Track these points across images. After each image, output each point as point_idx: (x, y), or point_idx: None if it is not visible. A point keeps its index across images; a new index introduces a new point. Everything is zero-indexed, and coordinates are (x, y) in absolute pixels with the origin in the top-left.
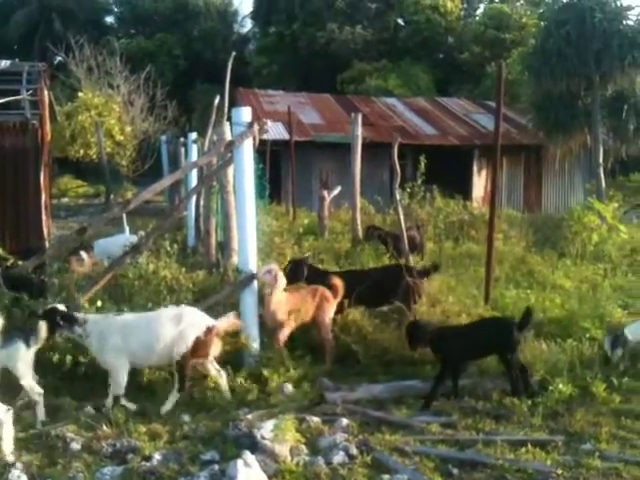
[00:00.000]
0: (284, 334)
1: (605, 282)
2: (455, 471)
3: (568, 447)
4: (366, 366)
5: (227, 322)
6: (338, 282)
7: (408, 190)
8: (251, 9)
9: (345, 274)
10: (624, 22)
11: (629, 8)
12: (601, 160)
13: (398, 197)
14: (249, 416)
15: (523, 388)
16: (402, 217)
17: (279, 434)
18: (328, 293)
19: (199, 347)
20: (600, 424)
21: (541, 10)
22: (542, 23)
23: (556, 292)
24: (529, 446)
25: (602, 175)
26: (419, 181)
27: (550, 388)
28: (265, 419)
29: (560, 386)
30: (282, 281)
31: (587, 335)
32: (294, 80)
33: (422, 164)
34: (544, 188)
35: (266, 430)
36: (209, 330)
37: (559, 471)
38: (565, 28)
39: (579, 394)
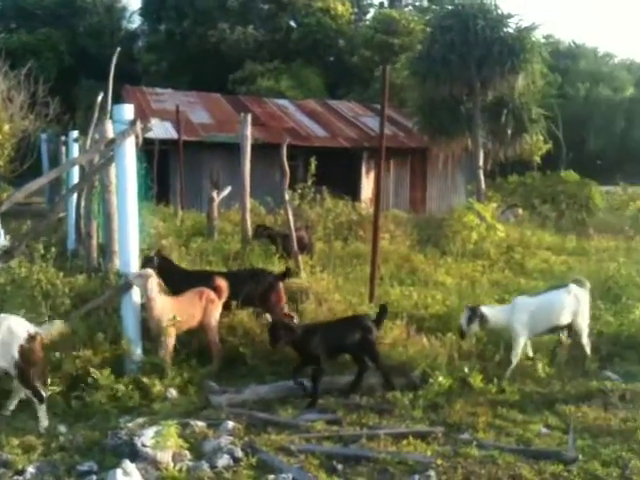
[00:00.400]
0: (170, 341)
1: (483, 278)
2: (340, 467)
3: (447, 437)
4: (253, 367)
5: (52, 328)
6: (222, 283)
7: (299, 191)
8: (140, 5)
9: (205, 275)
10: (504, 29)
11: (509, 16)
12: (481, 162)
13: (287, 197)
14: (130, 424)
15: (385, 383)
16: (291, 217)
17: (160, 441)
18: (213, 295)
19: (27, 355)
20: (477, 414)
21: (428, 16)
22: (428, 29)
23: (437, 289)
24: (410, 438)
25: (482, 177)
26: (309, 182)
27: (430, 381)
28: (147, 426)
29: (440, 379)
30: (155, 286)
31: None
32: (184, 79)
33: (312, 165)
34: (429, 189)
35: (147, 437)
36: (32, 338)
37: (438, 461)
38: (449, 34)
39: (458, 386)
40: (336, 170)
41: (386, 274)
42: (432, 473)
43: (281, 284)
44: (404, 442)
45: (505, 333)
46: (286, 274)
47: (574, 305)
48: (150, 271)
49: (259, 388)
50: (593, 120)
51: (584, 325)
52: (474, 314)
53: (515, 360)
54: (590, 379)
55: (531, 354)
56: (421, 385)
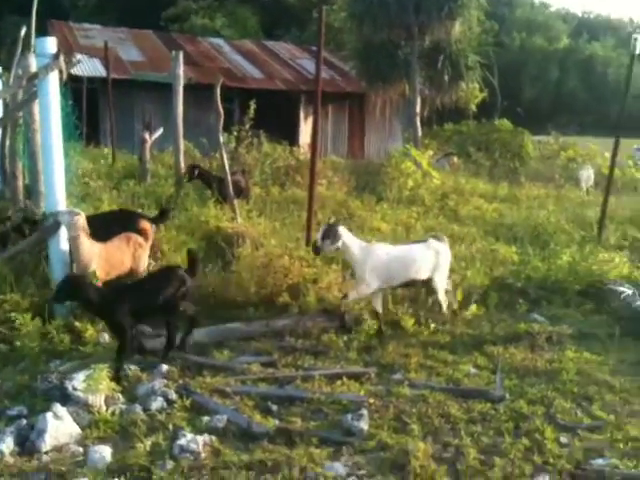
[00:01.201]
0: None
1: (418, 224)
2: (274, 407)
3: (380, 378)
4: None
5: None
6: (148, 226)
7: (235, 134)
8: None
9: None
10: None
11: None
12: (418, 109)
13: (222, 140)
14: (61, 368)
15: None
16: (226, 161)
17: (92, 384)
18: (141, 239)
19: None
20: (410, 355)
21: None
22: None
23: (373, 234)
24: (344, 379)
25: (419, 124)
26: (247, 126)
27: (364, 324)
28: (78, 370)
29: (372, 322)
30: (83, 227)
31: None
32: (114, 15)
33: (251, 108)
34: (367, 135)
35: (78, 381)
36: None
37: (371, 400)
38: None
39: (391, 328)
40: (274, 114)
41: (323, 220)
42: (364, 412)
43: (149, 226)
44: (338, 383)
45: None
46: (162, 216)
47: (433, 260)
48: (78, 210)
49: (195, 333)
50: (528, 69)
51: (441, 281)
52: (330, 230)
53: (351, 297)
54: (518, 321)
55: (379, 309)
56: (355, 327)
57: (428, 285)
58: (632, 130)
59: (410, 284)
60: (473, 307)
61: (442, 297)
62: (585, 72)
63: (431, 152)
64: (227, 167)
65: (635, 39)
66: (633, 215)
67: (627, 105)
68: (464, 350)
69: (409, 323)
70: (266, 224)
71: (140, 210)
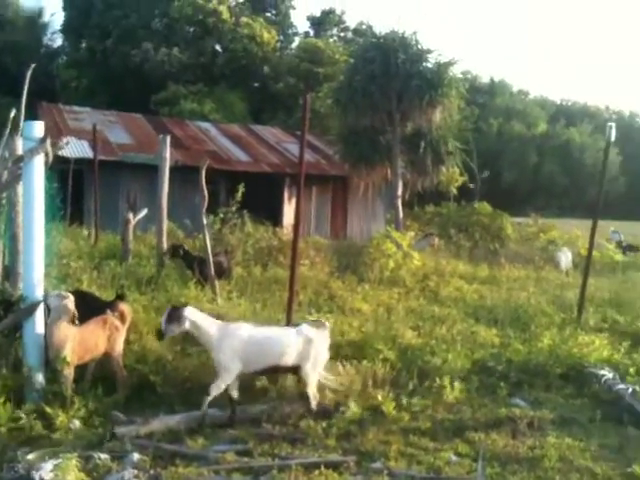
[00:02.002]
0: (70, 372)
1: (399, 305)
2: None
3: (359, 466)
4: (164, 396)
5: None
6: (126, 309)
7: (220, 215)
8: (62, 22)
9: None
10: (424, 64)
11: (429, 51)
12: (400, 192)
13: (205, 221)
14: (29, 456)
15: None
16: (209, 241)
17: (60, 474)
18: (118, 322)
19: None
20: (390, 442)
21: (352, 48)
22: (351, 60)
23: (354, 316)
24: (322, 468)
25: (400, 206)
26: (233, 207)
27: (343, 409)
28: (47, 459)
29: (353, 407)
30: (69, 311)
31: (380, 356)
32: (104, 98)
33: (238, 191)
34: (349, 217)
35: (46, 471)
36: None
37: None
38: (371, 66)
39: (371, 414)
40: (258, 195)
41: (304, 300)
42: None
43: (127, 309)
44: (316, 472)
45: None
46: (117, 302)
47: (300, 348)
48: (67, 293)
49: (168, 418)
50: (506, 154)
51: (312, 372)
52: (174, 314)
53: (214, 392)
54: (499, 406)
55: (235, 395)
56: (335, 413)
57: (297, 374)
58: (609, 212)
59: (276, 371)
60: (456, 391)
61: (312, 390)
62: (562, 157)
63: (412, 233)
64: (209, 248)
65: (610, 127)
66: (612, 297)
67: (604, 188)
68: (445, 436)
69: (389, 408)
70: (247, 305)
71: (111, 291)
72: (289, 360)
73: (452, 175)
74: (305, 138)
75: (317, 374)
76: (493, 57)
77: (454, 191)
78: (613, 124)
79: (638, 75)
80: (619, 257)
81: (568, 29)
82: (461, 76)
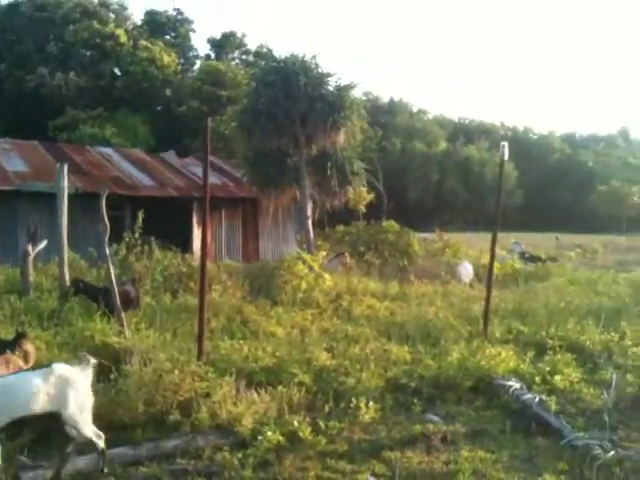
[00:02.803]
0: None
1: (313, 327)
2: None
3: None
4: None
5: None
6: (29, 347)
7: (126, 241)
8: None
9: None
10: (325, 87)
11: (329, 75)
12: (309, 213)
13: (108, 251)
14: None
15: None
16: (112, 271)
17: None
18: (21, 362)
19: None
20: (307, 468)
21: (254, 71)
22: (253, 83)
23: (269, 340)
24: None
25: (310, 226)
26: (137, 233)
27: (260, 438)
28: None
29: (269, 434)
30: None
31: (295, 380)
32: (0, 125)
33: (140, 217)
34: (261, 239)
35: None
36: None
37: None
38: (273, 89)
39: (288, 440)
40: (167, 221)
41: (217, 327)
42: None
43: (32, 348)
44: None
45: None
46: (16, 342)
47: (54, 391)
48: None
49: (78, 460)
50: (410, 172)
51: (79, 415)
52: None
53: None
54: (414, 422)
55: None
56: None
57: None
58: (509, 224)
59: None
60: (371, 410)
61: (89, 433)
62: (463, 173)
63: (324, 253)
64: (113, 278)
65: (503, 145)
66: (515, 308)
67: (502, 201)
68: (362, 458)
69: (306, 433)
70: (156, 336)
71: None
72: (40, 407)
73: (360, 194)
74: (207, 162)
75: (88, 414)
76: (392, 76)
77: (363, 209)
78: (506, 143)
79: (530, 91)
80: (520, 267)
81: (462, 47)
82: (363, 97)
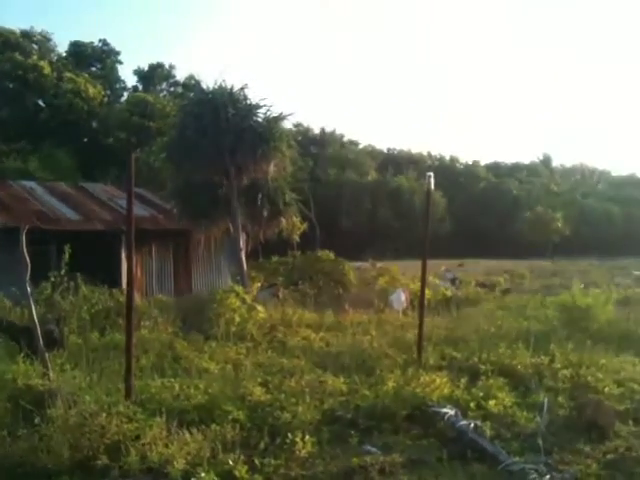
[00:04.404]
0: None
1: (247, 361)
2: None
3: None
4: None
5: None
6: None
7: (52, 279)
8: None
9: None
10: (254, 118)
11: (258, 106)
12: (242, 245)
13: (29, 290)
14: None
15: None
16: (34, 311)
17: None
18: None
19: None
20: None
21: (182, 102)
22: (181, 114)
23: (201, 376)
24: None
25: (244, 258)
26: (63, 270)
27: (192, 479)
28: None
29: (202, 475)
30: None
31: (229, 417)
32: None
33: (66, 252)
34: (194, 272)
35: None
36: None
37: None
38: (201, 121)
39: None
40: (94, 255)
41: (147, 365)
42: None
43: None
44: None
45: None
46: None
47: None
48: None
49: None
50: (342, 202)
51: None
52: None
53: None
54: (351, 455)
55: None
56: None
57: None
58: (440, 251)
59: None
60: (308, 445)
61: None
62: (394, 202)
63: (259, 284)
64: (35, 317)
65: (429, 176)
66: (448, 334)
67: (431, 230)
68: None
69: (242, 472)
70: (82, 377)
71: None
72: None
73: (293, 224)
74: (132, 195)
75: None
76: (323, 108)
77: (297, 239)
78: (432, 173)
79: (455, 121)
80: (450, 293)
81: (389, 78)
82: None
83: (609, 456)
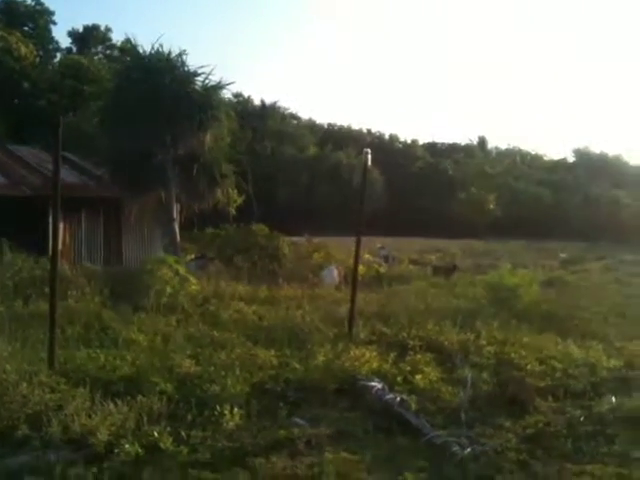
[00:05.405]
0: None
1: (178, 332)
2: None
3: None
4: None
5: None
6: None
7: None
8: None
9: None
10: (192, 86)
11: (196, 74)
12: (175, 215)
13: None
14: None
15: None
16: None
17: None
18: None
19: None
20: (168, 479)
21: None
22: (116, 79)
23: (129, 348)
24: None
25: (177, 229)
26: None
27: (116, 450)
28: None
29: (126, 446)
30: None
31: (157, 389)
32: None
33: None
34: (125, 242)
35: None
36: None
37: None
38: (137, 87)
39: (147, 452)
40: (20, 221)
41: (72, 335)
42: None
43: None
44: None
45: None
46: None
47: None
48: None
49: None
50: (280, 176)
51: None
52: None
53: None
54: (279, 427)
55: None
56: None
57: None
58: (376, 228)
59: None
60: (236, 417)
61: None
62: (333, 178)
63: (192, 256)
64: None
65: (366, 152)
66: (379, 310)
67: (368, 207)
68: (225, 466)
69: (167, 443)
70: (4, 346)
71: None
72: None
73: (229, 197)
74: (59, 162)
75: None
76: (264, 78)
77: (233, 212)
78: (369, 150)
79: (395, 98)
80: (383, 270)
81: (332, 50)
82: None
83: (529, 430)
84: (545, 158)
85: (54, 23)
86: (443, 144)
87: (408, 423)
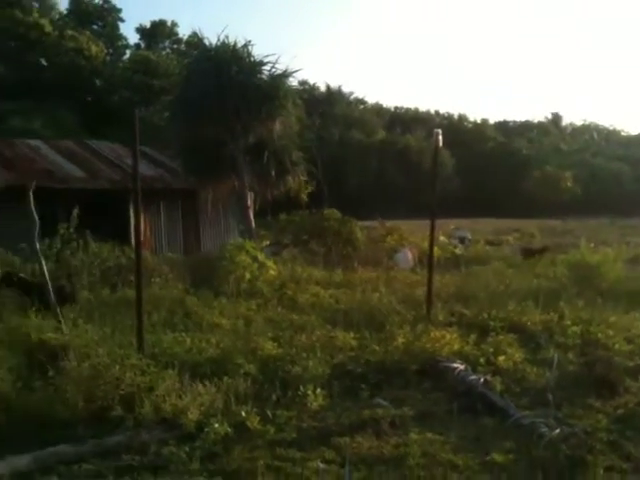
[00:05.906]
0: None
1: (258, 316)
2: None
3: None
4: (11, 435)
5: None
6: None
7: (61, 233)
8: None
9: None
10: (258, 76)
11: (262, 64)
12: (250, 203)
13: (38, 247)
14: None
15: None
16: (45, 267)
17: None
18: None
19: None
20: (256, 458)
21: (186, 60)
22: (184, 72)
23: (212, 331)
24: None
25: (252, 217)
26: (72, 227)
27: (206, 429)
28: None
29: (216, 426)
30: None
31: (241, 371)
32: None
33: (75, 210)
34: (202, 230)
35: None
36: None
37: None
38: (205, 79)
39: (236, 431)
40: (102, 213)
41: (159, 321)
42: None
43: None
44: None
45: None
46: None
47: None
48: None
49: (16, 459)
50: (349, 161)
51: None
52: None
53: None
54: (362, 408)
55: None
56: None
57: None
58: (449, 211)
59: None
60: (319, 397)
61: None
62: (402, 161)
63: (268, 242)
64: (46, 273)
65: (437, 132)
66: (457, 291)
67: (440, 189)
68: (311, 445)
69: (254, 422)
70: (95, 331)
71: None
72: None
73: (300, 183)
74: (137, 155)
75: None
76: (330, 65)
77: (305, 198)
78: (439, 130)
79: (463, 79)
80: (459, 252)
81: (398, 34)
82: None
83: (619, 411)
84: (623, 133)
85: (122, 20)
86: (515, 122)
87: (493, 404)
